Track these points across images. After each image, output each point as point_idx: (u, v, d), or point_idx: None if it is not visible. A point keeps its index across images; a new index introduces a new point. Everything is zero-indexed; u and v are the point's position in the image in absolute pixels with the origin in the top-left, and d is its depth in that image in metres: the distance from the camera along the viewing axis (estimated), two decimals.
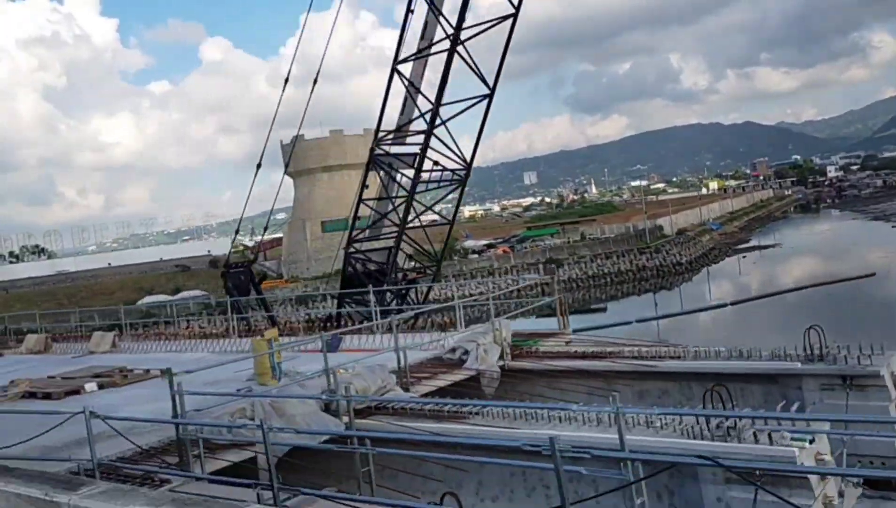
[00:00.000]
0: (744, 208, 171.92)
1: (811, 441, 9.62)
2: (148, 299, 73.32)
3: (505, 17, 25.36)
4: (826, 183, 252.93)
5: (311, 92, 31.20)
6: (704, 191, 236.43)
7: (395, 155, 28.29)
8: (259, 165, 31.98)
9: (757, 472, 9.09)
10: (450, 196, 30.63)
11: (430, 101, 27.08)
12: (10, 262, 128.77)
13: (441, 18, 26.01)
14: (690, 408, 14.12)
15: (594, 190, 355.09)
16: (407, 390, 14.92)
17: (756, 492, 9.13)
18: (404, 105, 28.42)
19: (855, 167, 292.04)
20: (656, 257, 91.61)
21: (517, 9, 25.20)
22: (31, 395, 18.67)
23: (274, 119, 32.08)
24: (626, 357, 16.30)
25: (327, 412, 13.27)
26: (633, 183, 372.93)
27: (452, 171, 27.82)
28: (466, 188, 28.82)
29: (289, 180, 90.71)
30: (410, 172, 27.93)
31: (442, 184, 28.54)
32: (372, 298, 24.75)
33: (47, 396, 18.23)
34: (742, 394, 14.56)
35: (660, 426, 11.00)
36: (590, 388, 15.90)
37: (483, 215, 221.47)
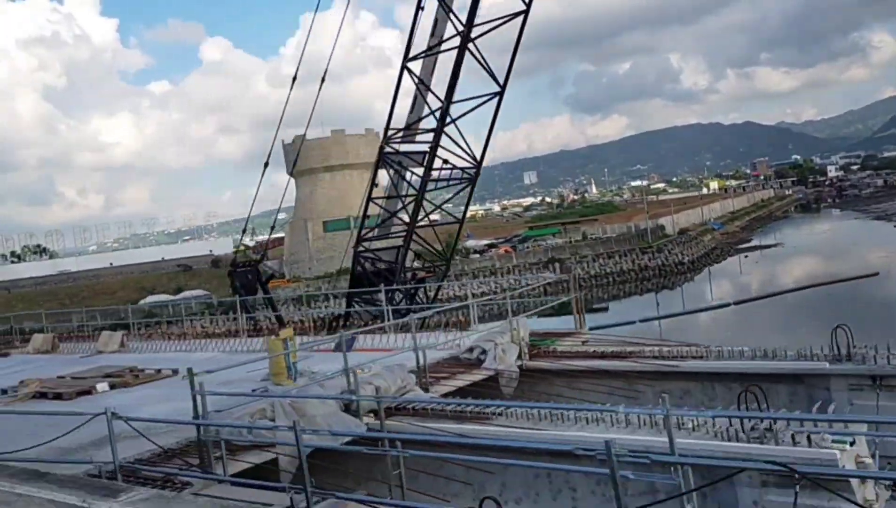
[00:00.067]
0: (745, 207, 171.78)
1: (852, 444, 9.39)
2: (150, 299, 73.12)
3: (516, 14, 25.15)
4: (826, 183, 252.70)
5: (319, 91, 30.95)
6: (705, 191, 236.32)
7: (405, 153, 28.06)
8: (266, 164, 31.78)
9: (796, 475, 8.85)
10: (449, 196, 30.45)
11: (439, 99, 26.88)
12: (12, 261, 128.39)
13: (451, 15, 25.81)
14: (713, 409, 13.91)
15: (594, 190, 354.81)
16: (426, 390, 14.68)
17: (796, 496, 8.91)
18: (414, 103, 28.22)
19: (855, 167, 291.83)
20: (658, 256, 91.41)
21: (528, 5, 25.00)
22: (42, 395, 18.42)
23: (282, 118, 31.87)
24: (647, 357, 16.07)
25: (347, 413, 13.04)
26: (634, 183, 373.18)
27: (462, 169, 27.62)
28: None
29: (292, 180, 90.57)
30: (419, 171, 27.74)
31: (451, 182, 28.32)
32: (383, 297, 24.51)
33: (58, 396, 17.99)
34: (767, 394, 14.30)
35: (692, 428, 10.77)
36: (610, 388, 15.69)
37: (483, 214, 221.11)
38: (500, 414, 12.71)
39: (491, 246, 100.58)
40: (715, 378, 15.17)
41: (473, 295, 35.25)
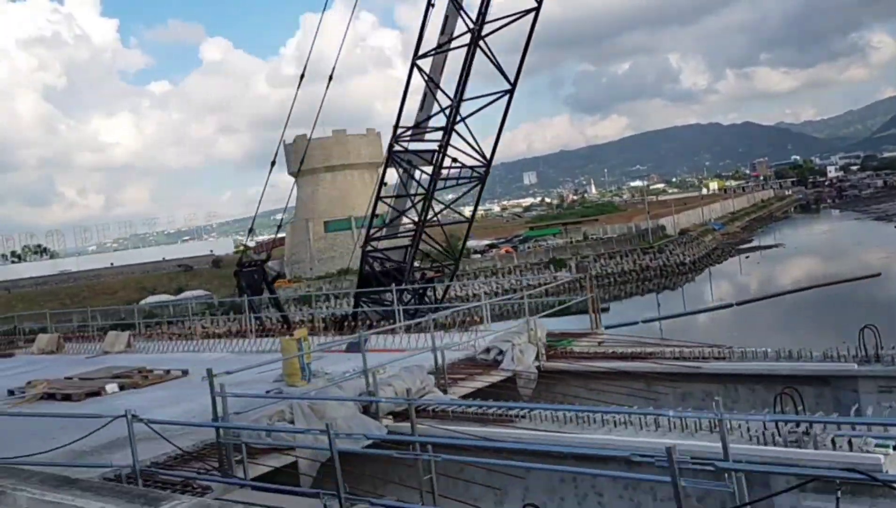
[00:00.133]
0: (745, 208, 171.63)
1: (895, 447, 9.12)
2: (151, 299, 72.87)
3: (528, 11, 24.95)
4: (826, 183, 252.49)
5: (326, 90, 30.79)
6: (705, 191, 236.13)
7: (415, 152, 27.81)
8: (273, 163, 31.63)
9: (837, 480, 8.60)
10: (458, 195, 30.21)
11: (448, 97, 26.66)
12: (13, 261, 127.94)
13: (462, 12, 25.59)
14: (737, 412, 13.66)
15: (594, 190, 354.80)
16: (445, 391, 14.39)
17: (837, 501, 8.64)
18: (423, 101, 27.98)
19: (855, 167, 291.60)
20: (660, 257, 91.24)
21: (539, 2, 24.80)
22: (50, 397, 18.12)
23: (289, 117, 31.83)
24: (668, 358, 15.80)
25: (367, 415, 12.77)
26: (633, 183, 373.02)
27: (472, 168, 27.38)
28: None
29: (291, 180, 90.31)
30: (428, 170, 27.50)
31: (461, 181, 28.08)
32: (394, 296, 24.25)
33: (67, 398, 17.69)
34: (781, 396, 14.05)
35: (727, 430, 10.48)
36: (630, 390, 15.42)
37: (483, 215, 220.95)
38: (523, 417, 12.45)
39: (492, 246, 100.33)
40: (738, 380, 14.90)
41: (482, 295, 35.04)
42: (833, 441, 9.36)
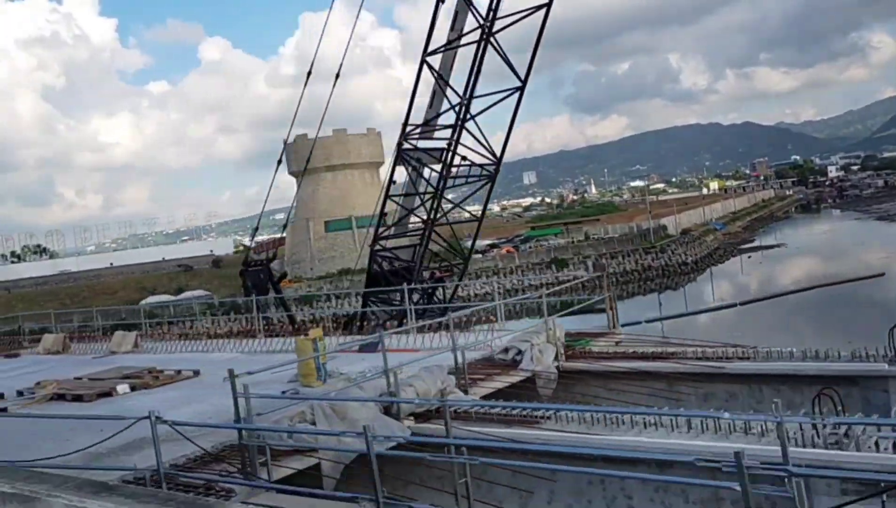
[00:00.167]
0: (746, 208, 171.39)
1: None
2: (151, 299, 72.53)
3: (539, 7, 24.66)
4: (827, 183, 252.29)
5: (333, 89, 30.58)
6: (705, 191, 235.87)
7: (424, 150, 27.53)
8: (280, 161, 31.38)
9: (882, 483, 8.32)
10: (468, 194, 29.95)
11: (458, 94, 26.40)
12: (12, 262, 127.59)
13: (472, 8, 25.32)
14: (762, 412, 13.42)
15: (594, 190, 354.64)
16: (466, 392, 14.14)
17: (883, 505, 8.37)
18: (432, 98, 27.70)
19: (855, 167, 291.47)
20: (661, 256, 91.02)
21: None
22: (60, 397, 17.85)
23: (295, 115, 31.57)
24: (690, 358, 15.54)
25: (388, 416, 12.51)
26: (633, 183, 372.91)
27: (481, 166, 27.12)
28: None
29: (290, 179, 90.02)
30: (437, 168, 27.23)
31: (470, 180, 27.80)
32: (406, 296, 23.99)
33: (78, 398, 17.41)
34: (819, 397, 13.80)
35: (760, 433, 10.26)
36: (652, 390, 15.16)
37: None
38: (548, 418, 12.20)
39: (493, 246, 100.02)
40: (762, 381, 14.65)
41: (496, 294, 34.76)
42: (877, 444, 9.10)
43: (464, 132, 26.21)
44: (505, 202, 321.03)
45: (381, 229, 28.91)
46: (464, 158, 26.93)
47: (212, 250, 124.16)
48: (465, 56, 27.23)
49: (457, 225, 30.83)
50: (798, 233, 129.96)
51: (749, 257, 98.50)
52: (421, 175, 28.06)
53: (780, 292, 66.25)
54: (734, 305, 62.54)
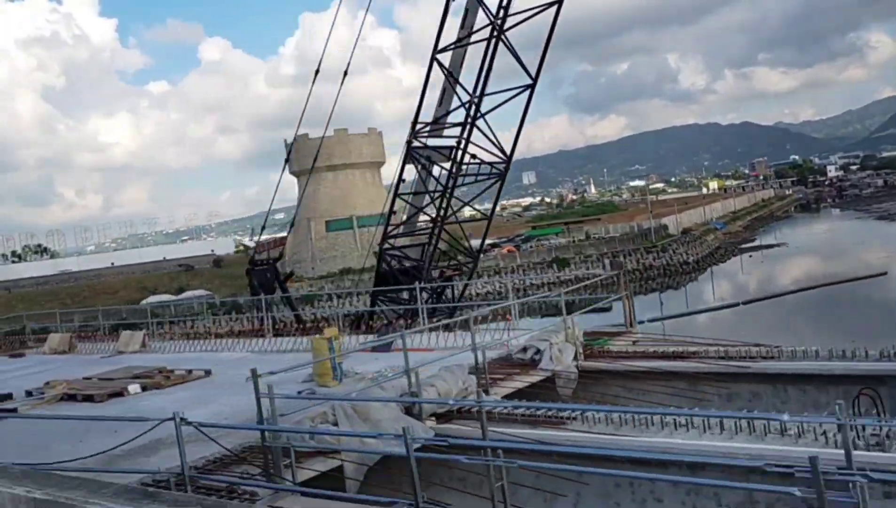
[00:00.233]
0: (746, 207, 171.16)
1: None
2: (152, 299, 72.21)
3: (550, 4, 24.44)
4: (826, 183, 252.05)
5: (340, 87, 30.29)
6: (705, 191, 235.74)
7: (434, 148, 27.29)
8: (287, 160, 31.17)
9: None
10: (477, 192, 29.76)
11: (467, 92, 26.17)
12: (13, 261, 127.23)
13: (483, 6, 25.08)
14: (789, 413, 13.18)
15: (593, 190, 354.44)
16: (487, 392, 13.88)
17: None
18: (442, 96, 27.48)
19: (854, 167, 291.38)
20: (663, 256, 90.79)
21: None
22: (71, 397, 17.60)
23: (303, 113, 31.33)
24: (713, 357, 15.29)
25: (410, 416, 12.27)
26: (632, 183, 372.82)
27: (491, 164, 26.88)
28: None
29: (292, 179, 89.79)
30: (446, 166, 27.01)
31: (479, 178, 27.57)
32: (418, 295, 23.74)
33: (89, 398, 17.15)
34: (845, 397, 13.54)
35: (796, 434, 10.01)
36: (674, 390, 14.92)
37: (483, 214, 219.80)
38: (573, 418, 11.95)
39: (494, 246, 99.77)
40: (788, 380, 14.40)
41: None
42: None
43: (474, 130, 26.01)
44: (504, 202, 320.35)
45: (390, 228, 28.68)
46: (473, 156, 26.71)
47: (213, 250, 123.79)
48: (471, 54, 27.04)
49: (461, 224, 30.63)
50: (798, 232, 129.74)
51: (750, 256, 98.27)
52: (430, 173, 27.82)
53: (782, 292, 66.03)
54: (737, 304, 62.38)
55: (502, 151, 26.41)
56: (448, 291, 28.33)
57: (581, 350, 16.46)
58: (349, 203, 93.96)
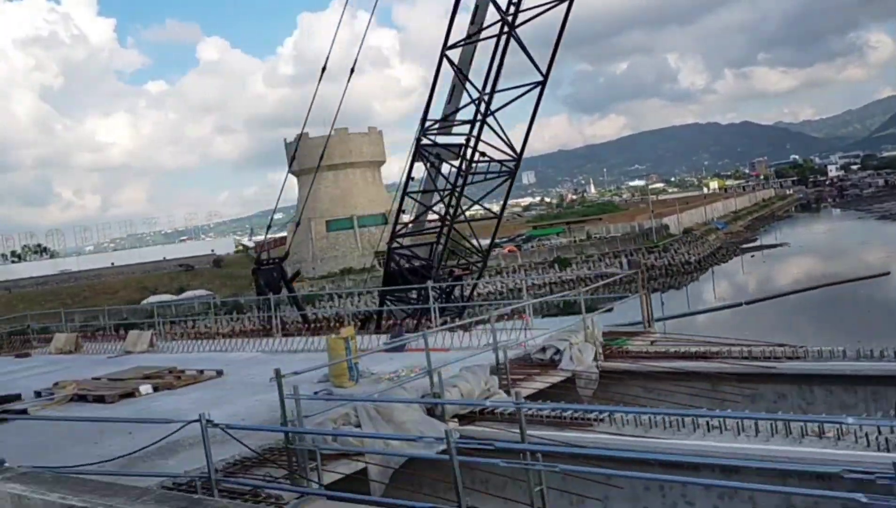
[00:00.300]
0: (747, 207, 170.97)
1: None
2: (153, 299, 71.95)
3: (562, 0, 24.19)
4: (827, 183, 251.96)
5: (347, 86, 30.13)
6: (705, 190, 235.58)
7: (443, 145, 27.02)
8: (294, 158, 30.90)
9: None
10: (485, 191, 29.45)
11: (477, 88, 25.93)
12: (12, 261, 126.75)
13: (493, 1, 24.82)
14: (815, 414, 12.93)
15: (593, 190, 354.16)
16: (508, 392, 13.62)
17: None
18: (451, 93, 27.21)
19: (855, 167, 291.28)
20: (665, 256, 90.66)
21: None
22: (81, 398, 17.32)
23: (308, 112, 31.17)
24: (736, 358, 15.04)
25: (432, 417, 12.01)
26: (632, 183, 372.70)
27: (501, 162, 26.62)
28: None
29: (292, 178, 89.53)
30: (455, 164, 26.76)
31: (488, 176, 27.31)
32: (429, 294, 23.48)
33: (100, 399, 16.88)
34: (874, 398, 13.32)
35: (835, 437, 9.75)
36: (696, 390, 14.65)
37: (483, 214, 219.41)
38: (601, 420, 11.70)
39: (495, 245, 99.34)
40: (815, 381, 14.14)
41: (524, 292, 34.32)
42: None
43: (484, 127, 25.76)
44: None
45: (398, 227, 28.41)
46: (482, 154, 26.45)
47: (213, 250, 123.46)
48: (483, 51, 26.82)
49: (461, 224, 30.45)
50: (799, 232, 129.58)
51: (752, 256, 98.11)
52: (439, 171, 27.57)
53: (784, 292, 65.83)
54: (739, 304, 62.16)
55: (512, 148, 26.15)
56: (456, 290, 28.07)
57: (601, 350, 16.21)
58: (349, 203, 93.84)
